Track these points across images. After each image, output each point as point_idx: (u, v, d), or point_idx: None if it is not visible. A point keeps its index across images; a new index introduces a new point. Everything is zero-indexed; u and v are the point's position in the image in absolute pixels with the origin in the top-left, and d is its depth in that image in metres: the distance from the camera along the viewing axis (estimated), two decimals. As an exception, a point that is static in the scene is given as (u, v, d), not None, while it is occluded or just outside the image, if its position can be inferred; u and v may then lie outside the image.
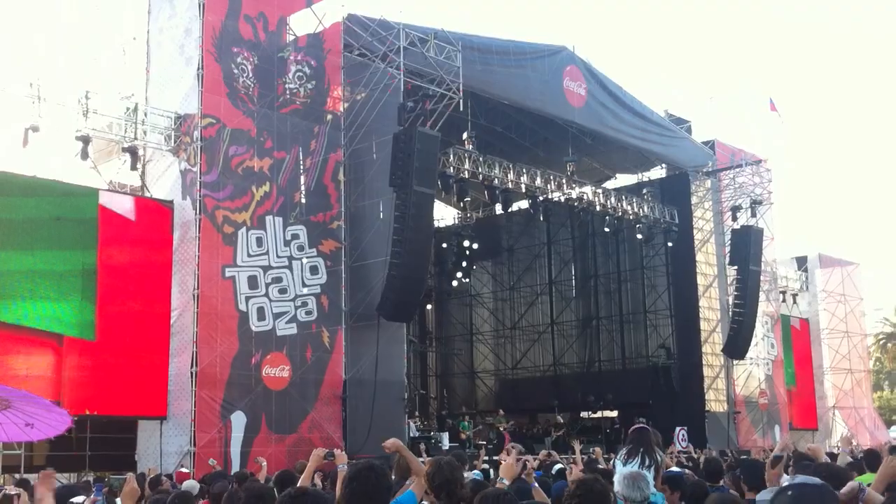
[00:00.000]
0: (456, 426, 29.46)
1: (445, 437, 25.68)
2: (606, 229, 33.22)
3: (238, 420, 20.52)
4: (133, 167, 21.01)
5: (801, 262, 42.59)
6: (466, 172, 27.69)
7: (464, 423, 30.01)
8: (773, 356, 37.37)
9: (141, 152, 21.24)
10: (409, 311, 24.52)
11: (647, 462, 9.36)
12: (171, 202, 21.11)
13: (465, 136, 27.91)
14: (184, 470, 17.02)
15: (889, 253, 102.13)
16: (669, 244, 34.47)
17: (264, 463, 14.85)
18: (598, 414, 33.95)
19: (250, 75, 22.14)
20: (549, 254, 38.34)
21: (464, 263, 36.25)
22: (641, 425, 10.48)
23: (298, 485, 7.44)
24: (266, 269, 21.69)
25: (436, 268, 35.30)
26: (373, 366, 22.62)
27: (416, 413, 29.85)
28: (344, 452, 7.95)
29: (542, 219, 32.38)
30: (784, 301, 39.64)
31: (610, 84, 31.25)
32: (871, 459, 10.98)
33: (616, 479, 9.20)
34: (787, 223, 39.15)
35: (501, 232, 39.02)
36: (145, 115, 21.09)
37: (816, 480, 5.37)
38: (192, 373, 19.92)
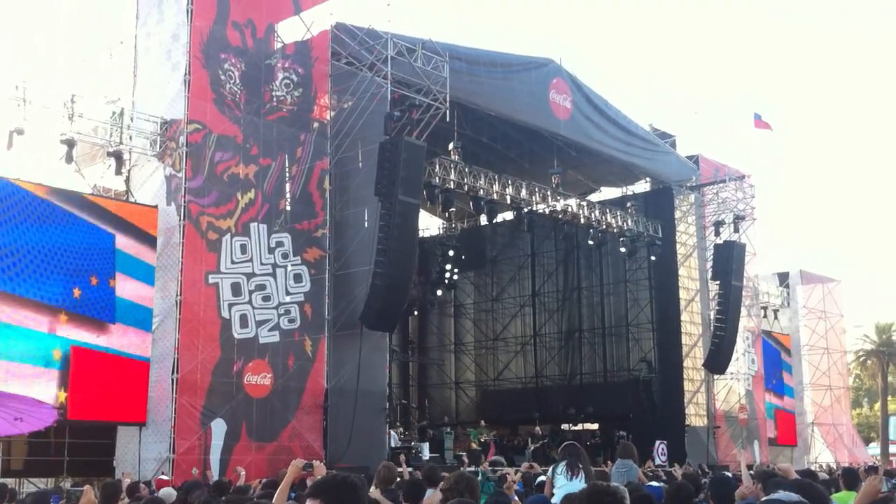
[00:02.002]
0: (467, 435, 29.67)
1: (426, 447, 25.61)
2: (590, 242, 33.38)
3: (218, 427, 20.41)
4: (118, 172, 20.89)
5: (783, 278, 42.80)
6: (452, 183, 27.71)
7: (474, 432, 30.02)
8: (753, 371, 37.51)
9: (126, 157, 21.11)
10: (392, 321, 24.52)
11: (587, 478, 10.07)
12: (156, 207, 20.99)
13: (451, 146, 27.97)
14: (163, 477, 16.91)
15: (870, 270, 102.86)
16: (652, 258, 34.57)
17: (243, 472, 14.85)
18: (579, 426, 33.98)
19: (237, 82, 22.09)
20: (533, 265, 38.38)
21: (447, 274, 36.27)
22: (571, 441, 11.04)
23: (276, 496, 7.39)
24: (250, 276, 21.62)
25: (420, 277, 35.26)
26: (355, 375, 22.57)
27: (399, 423, 29.79)
28: (323, 464, 7.93)
29: (526, 230, 32.42)
30: (765, 317, 39.81)
31: (595, 97, 31.39)
32: (848, 478, 11.05)
33: (561, 492, 9.63)
34: (770, 239, 39.30)
35: (486, 243, 39.04)
36: (131, 119, 21.00)
37: (795, 497, 5.38)
38: (172, 379, 19.81)
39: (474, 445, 28.65)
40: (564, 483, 10.14)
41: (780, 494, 5.66)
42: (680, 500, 8.12)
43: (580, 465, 10.37)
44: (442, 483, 5.77)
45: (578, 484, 9.97)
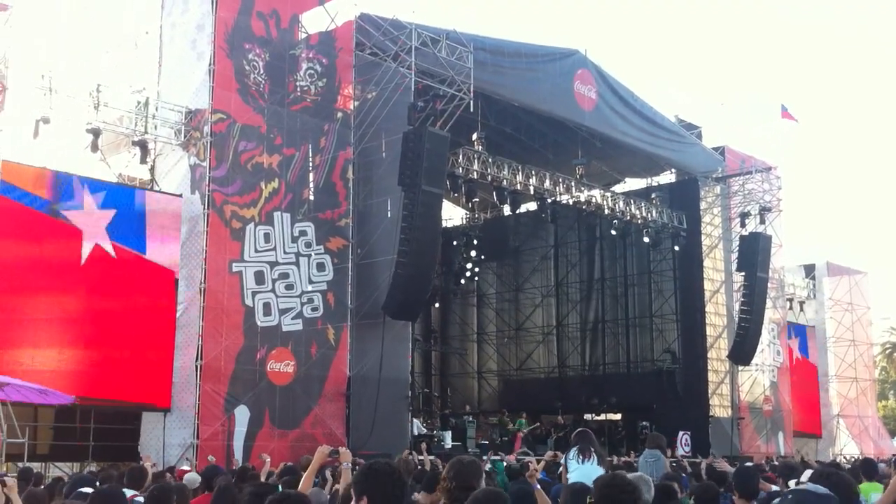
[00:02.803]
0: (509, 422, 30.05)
1: (448, 436, 25.75)
2: (613, 232, 33.28)
3: (242, 414, 20.63)
4: (143, 161, 21.11)
5: (809, 270, 42.54)
6: (475, 173, 27.75)
7: (521, 422, 30.09)
8: (778, 363, 37.36)
9: (151, 146, 21.34)
10: (415, 310, 24.62)
11: (599, 461, 10.36)
12: (180, 196, 21.21)
13: (474, 136, 27.99)
14: (185, 467, 17.07)
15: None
16: (677, 249, 34.46)
17: (268, 458, 14.99)
18: (602, 417, 33.98)
19: (261, 72, 22.23)
20: (556, 256, 38.32)
21: (470, 264, 36.31)
22: (583, 428, 11.21)
23: (302, 481, 7.51)
24: (273, 264, 21.80)
25: (442, 267, 35.35)
26: (377, 363, 22.71)
27: (421, 412, 29.90)
28: (348, 450, 8.04)
29: (549, 221, 32.41)
30: (791, 308, 39.61)
31: (621, 88, 31.27)
32: (867, 468, 11.01)
33: (574, 475, 9.83)
34: (796, 230, 39.09)
35: (509, 233, 39.01)
36: (156, 109, 21.18)
37: (822, 489, 5.39)
38: (196, 366, 20.03)
39: (520, 435, 28.59)
40: (577, 467, 10.30)
41: (809, 485, 5.69)
42: (707, 501, 8.32)
43: (591, 449, 10.54)
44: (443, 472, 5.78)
45: (590, 466, 10.16)
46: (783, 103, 35.61)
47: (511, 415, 31.37)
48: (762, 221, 34.77)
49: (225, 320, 20.70)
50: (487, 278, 39.90)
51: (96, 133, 20.08)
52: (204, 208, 20.77)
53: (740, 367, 34.91)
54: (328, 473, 11.28)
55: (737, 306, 34.34)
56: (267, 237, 21.79)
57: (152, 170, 21.78)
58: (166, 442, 20.02)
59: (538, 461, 13.06)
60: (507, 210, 32.71)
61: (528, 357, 38.48)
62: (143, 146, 20.95)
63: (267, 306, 21.57)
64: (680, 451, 28.22)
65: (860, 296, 43.55)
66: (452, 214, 37.94)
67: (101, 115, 20.22)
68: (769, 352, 36.75)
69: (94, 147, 20.05)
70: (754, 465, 17.91)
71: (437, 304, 38.16)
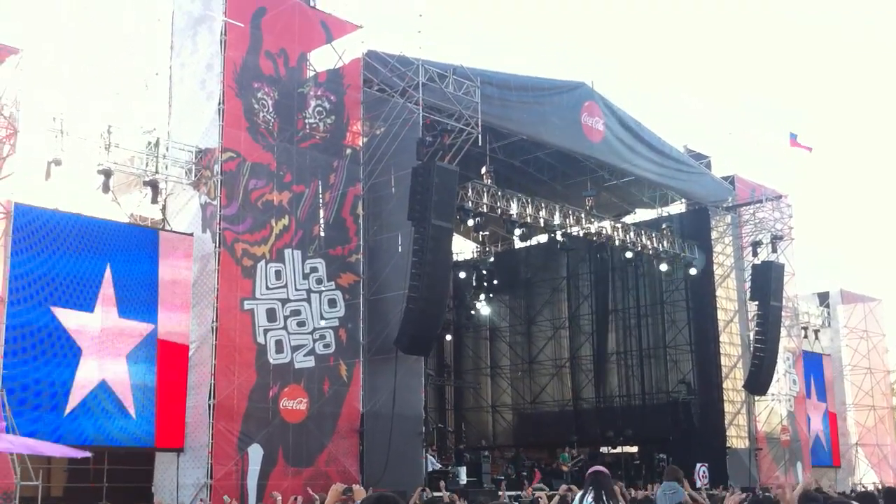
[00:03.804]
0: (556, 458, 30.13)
1: (463, 471, 25.58)
2: (627, 256, 33.17)
3: (255, 453, 20.55)
4: (154, 200, 21.22)
5: (823, 298, 42.32)
6: (485, 206, 27.80)
7: (564, 456, 29.93)
8: (794, 392, 37.10)
9: (162, 185, 21.44)
10: (427, 345, 24.51)
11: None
12: (191, 235, 21.28)
13: (483, 170, 28.07)
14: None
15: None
16: (690, 278, 34.37)
17: (279, 497, 14.93)
18: (618, 449, 33.74)
19: (270, 110, 22.37)
20: (568, 288, 38.24)
21: (482, 297, 36.23)
22: (599, 468, 10.74)
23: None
24: (285, 301, 21.80)
25: (454, 301, 35.31)
26: (390, 399, 22.62)
27: (435, 447, 29.73)
28: (362, 488, 7.99)
29: (560, 251, 32.37)
30: (806, 337, 39.40)
31: (628, 119, 31.35)
32: (890, 497, 10.88)
33: None
34: (809, 258, 38.85)
35: (520, 266, 38.98)
36: (167, 149, 21.32)
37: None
38: (209, 405, 19.99)
39: (565, 468, 28.58)
40: None
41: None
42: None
43: (603, 494, 10.19)
44: None
45: None
46: (791, 132, 35.61)
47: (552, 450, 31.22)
48: (774, 250, 34.73)
49: (237, 358, 20.68)
50: (500, 311, 39.80)
51: (107, 174, 20.20)
52: (215, 246, 20.83)
53: (756, 398, 34.68)
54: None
55: (751, 335, 34.23)
56: (278, 274, 21.82)
57: (164, 209, 21.89)
58: (180, 482, 19.97)
59: (550, 496, 12.91)
60: (517, 243, 32.72)
61: (542, 390, 38.28)
62: (154, 186, 21.06)
63: (279, 343, 21.55)
64: (698, 484, 27.97)
65: (875, 323, 43.26)
66: (463, 248, 37.93)
67: (112, 156, 20.34)
68: (785, 381, 36.52)
69: (106, 188, 20.16)
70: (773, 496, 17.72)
71: (449, 338, 38.06)
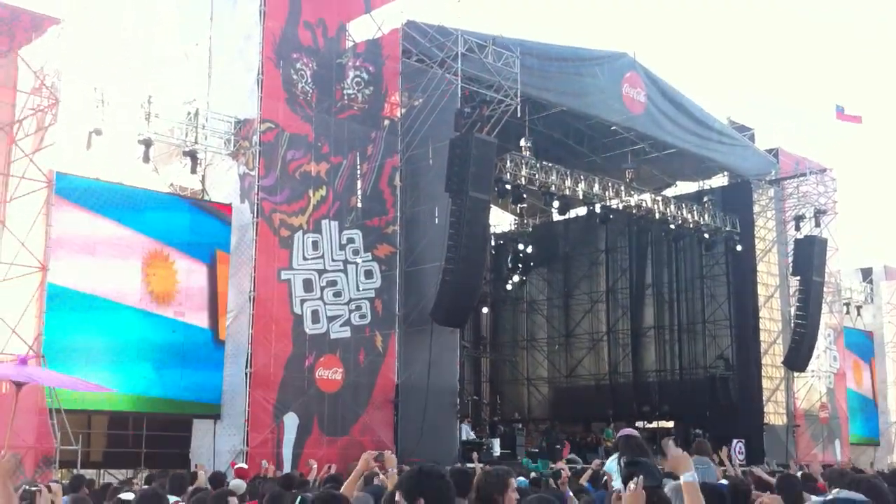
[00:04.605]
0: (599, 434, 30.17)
1: (497, 443, 25.65)
2: (670, 228, 32.87)
3: (291, 421, 20.76)
4: (193, 171, 21.40)
5: (866, 274, 41.75)
6: (523, 179, 27.72)
7: (609, 431, 30.00)
8: (834, 369, 36.74)
9: (201, 156, 21.60)
10: (463, 317, 24.59)
11: None
12: (230, 205, 21.42)
13: (522, 142, 27.91)
14: (243, 465, 17.11)
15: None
16: (730, 252, 34.06)
17: (314, 465, 15.06)
18: (654, 424, 33.65)
19: (309, 81, 22.39)
20: (607, 261, 38.00)
21: (519, 270, 36.13)
22: (628, 433, 10.75)
23: (345, 485, 7.47)
24: (321, 272, 21.92)
25: (491, 273, 35.27)
26: (425, 371, 22.73)
27: (469, 419, 29.82)
28: (393, 455, 8.04)
29: (599, 225, 32.20)
30: (847, 313, 38.95)
31: (670, 91, 31.01)
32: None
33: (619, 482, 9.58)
34: (853, 233, 38.39)
35: (558, 239, 38.77)
36: (206, 119, 21.43)
37: (860, 496, 5.30)
38: (246, 374, 20.20)
39: (609, 444, 28.65)
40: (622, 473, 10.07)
41: (844, 493, 5.60)
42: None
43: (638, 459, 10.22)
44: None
45: None
46: (838, 104, 35.07)
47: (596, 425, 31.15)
48: (817, 224, 34.34)
49: (274, 328, 20.86)
50: (537, 284, 39.71)
51: (148, 144, 20.39)
52: (253, 217, 20.96)
53: (796, 374, 34.41)
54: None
55: (792, 311, 33.89)
56: (315, 245, 21.92)
57: (202, 179, 22.04)
58: (217, 449, 20.23)
59: (583, 470, 12.92)
60: (556, 215, 32.59)
61: (578, 364, 38.16)
62: (193, 156, 21.22)
63: (315, 314, 21.69)
64: (733, 460, 27.79)
65: (920, 300, 42.63)
66: (501, 220, 37.85)
67: (152, 127, 20.52)
68: (825, 357, 36.17)
69: (146, 158, 20.37)
70: (803, 474, 17.60)
71: (486, 311, 38.05)
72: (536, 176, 28.16)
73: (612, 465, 10.40)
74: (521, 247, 35.86)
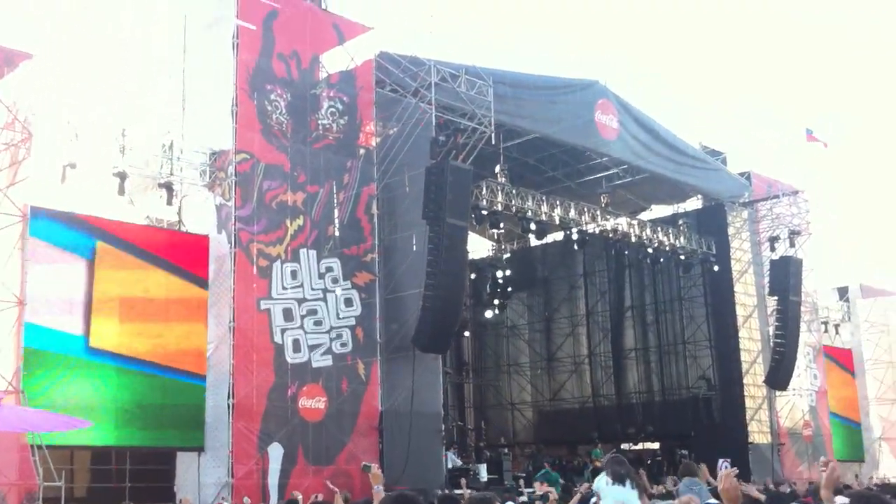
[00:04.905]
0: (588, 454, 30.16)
1: (483, 468, 25.57)
2: (648, 252, 33.10)
3: (275, 452, 20.61)
4: (169, 202, 21.37)
5: (843, 293, 42.10)
6: (500, 205, 27.86)
7: (597, 451, 29.97)
8: (815, 387, 36.91)
9: (177, 187, 21.59)
10: (445, 343, 24.58)
11: (632, 486, 9.99)
12: (207, 236, 21.40)
13: (497, 168, 28.11)
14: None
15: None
16: (707, 274, 34.31)
17: (300, 496, 14.96)
18: (640, 446, 33.64)
19: (283, 111, 22.48)
20: (586, 285, 38.20)
21: (499, 295, 36.27)
22: (615, 453, 10.90)
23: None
24: (301, 301, 21.87)
25: (471, 299, 35.36)
26: (409, 397, 22.65)
27: (455, 445, 29.73)
28: (380, 472, 8.04)
29: (577, 250, 32.41)
30: (826, 331, 39.20)
31: (642, 117, 31.36)
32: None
33: (608, 500, 9.62)
34: (827, 253, 38.72)
35: (536, 263, 39.02)
36: (181, 151, 21.49)
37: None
38: (228, 405, 20.07)
39: (598, 464, 28.65)
40: (609, 491, 10.06)
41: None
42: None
43: (622, 472, 10.22)
44: None
45: (623, 489, 9.92)
46: (808, 127, 35.56)
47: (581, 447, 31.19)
48: (792, 245, 34.70)
49: (255, 358, 20.75)
50: (517, 309, 39.81)
51: (123, 176, 20.40)
52: (231, 247, 20.94)
53: (778, 393, 34.54)
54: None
55: (771, 331, 34.09)
56: (294, 274, 21.90)
57: (179, 211, 22.02)
58: (202, 482, 20.03)
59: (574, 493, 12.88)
60: (533, 241, 32.76)
61: (561, 387, 38.26)
62: (169, 188, 21.22)
63: (296, 343, 21.62)
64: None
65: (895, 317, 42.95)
66: (479, 247, 37.96)
67: (126, 159, 20.53)
68: (806, 376, 36.36)
69: (122, 190, 20.36)
70: (791, 491, 17.68)
71: (467, 336, 38.04)
72: (513, 202, 28.33)
73: (599, 483, 10.42)
74: (499, 272, 35.96)
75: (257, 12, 22.57)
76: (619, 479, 10.10)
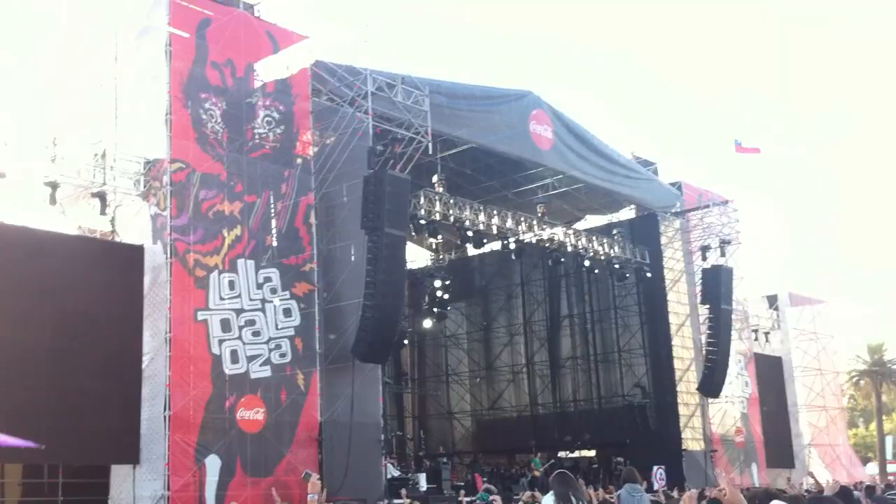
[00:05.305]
0: (528, 463, 30.26)
1: (423, 478, 25.49)
2: (584, 264, 33.40)
3: (213, 464, 20.24)
4: (102, 212, 20.92)
5: (772, 301, 42.89)
6: (437, 214, 27.89)
7: (536, 461, 29.98)
8: (747, 394, 37.52)
9: (110, 197, 21.15)
10: (384, 353, 24.45)
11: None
12: (142, 246, 21.04)
13: (434, 178, 28.15)
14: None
15: (857, 290, 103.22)
16: (641, 283, 34.70)
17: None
18: (576, 454, 33.86)
19: (219, 120, 22.21)
20: (523, 294, 38.43)
21: (437, 304, 36.33)
22: (562, 470, 10.98)
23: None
24: (239, 311, 21.60)
25: (410, 309, 35.35)
26: (348, 407, 22.50)
27: (394, 454, 29.63)
28: (319, 480, 7.98)
29: (514, 259, 32.57)
30: (756, 339, 39.87)
31: (576, 127, 31.65)
32: (846, 497, 11.07)
33: None
34: (757, 262, 39.54)
35: (474, 273, 39.20)
36: (114, 160, 21.09)
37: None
38: (165, 416, 19.72)
39: (537, 474, 28.72)
40: None
41: None
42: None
43: (571, 495, 10.26)
44: None
45: None
46: (736, 138, 36.23)
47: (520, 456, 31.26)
48: (723, 254, 35.19)
49: (192, 369, 20.40)
50: (456, 318, 39.90)
51: (54, 186, 19.89)
52: (167, 257, 20.59)
53: (710, 400, 35.01)
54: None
55: (703, 339, 34.56)
56: (231, 284, 21.62)
57: (112, 221, 21.59)
58: (137, 495, 19.60)
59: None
60: (471, 250, 32.86)
61: (499, 396, 38.44)
62: (102, 198, 20.77)
63: (234, 354, 21.33)
64: (655, 486, 28.12)
65: (823, 325, 43.90)
66: (417, 256, 38.01)
67: (57, 168, 20.09)
68: (738, 383, 36.95)
69: (53, 200, 19.88)
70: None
71: (406, 346, 38.03)
72: (450, 211, 28.40)
73: (548, 500, 10.42)
74: (438, 282, 36.00)
75: (190, 20, 22.29)
76: (564, 499, 10.17)
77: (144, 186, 21.27)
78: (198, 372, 20.49)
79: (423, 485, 24.81)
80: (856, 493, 15.64)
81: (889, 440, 55.65)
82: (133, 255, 20.82)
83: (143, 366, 20.32)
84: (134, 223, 21.39)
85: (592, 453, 34.24)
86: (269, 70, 23.79)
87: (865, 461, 55.22)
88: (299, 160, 23.82)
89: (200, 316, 20.93)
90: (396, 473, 25.03)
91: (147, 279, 20.80)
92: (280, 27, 24.21)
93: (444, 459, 29.33)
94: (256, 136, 22.90)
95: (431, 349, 40.29)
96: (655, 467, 30.22)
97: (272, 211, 22.88)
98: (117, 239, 21.44)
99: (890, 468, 53.10)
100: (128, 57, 22.49)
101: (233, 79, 22.85)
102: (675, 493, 23.77)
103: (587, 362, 36.78)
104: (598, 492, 21.65)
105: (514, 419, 37.50)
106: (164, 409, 19.73)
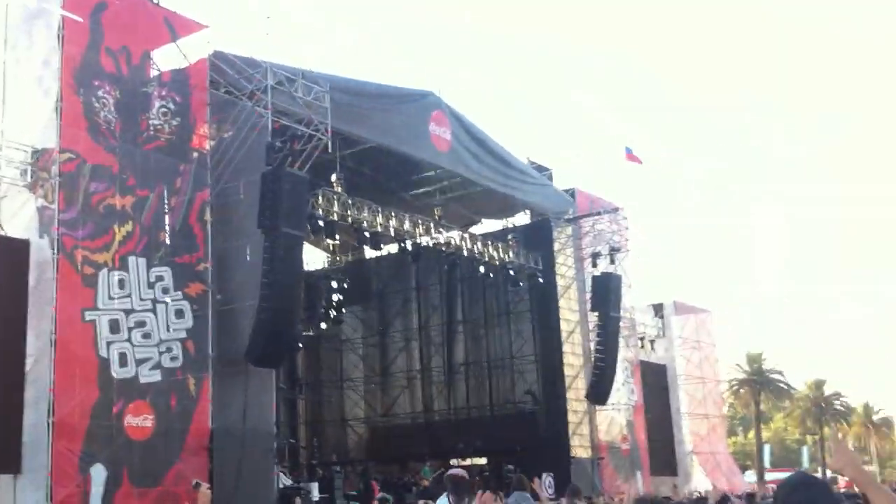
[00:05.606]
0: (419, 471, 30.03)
1: (315, 487, 24.78)
2: (481, 271, 33.21)
3: (98, 473, 19.11)
4: (-15, 203, 19.64)
5: (658, 309, 43.51)
6: (335, 215, 27.24)
7: (426, 470, 29.41)
8: (633, 402, 37.89)
9: (-6, 188, 19.87)
10: (279, 357, 23.67)
11: None
12: (27, 241, 19.76)
13: (333, 177, 27.49)
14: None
15: (738, 300, 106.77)
16: (534, 289, 34.70)
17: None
18: (468, 461, 33.60)
19: (112, 109, 21.05)
20: (419, 298, 38.02)
21: (333, 308, 35.63)
22: (453, 472, 10.74)
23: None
24: (129, 312, 20.48)
25: (306, 312, 34.57)
26: (241, 414, 21.69)
27: (286, 463, 28.79)
28: (210, 490, 7.45)
29: (411, 263, 32.14)
30: (642, 347, 40.36)
31: (475, 129, 31.42)
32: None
33: None
34: (644, 270, 40.16)
35: (371, 276, 38.59)
36: (0, 148, 19.78)
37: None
38: (48, 423, 18.53)
39: (426, 483, 28.21)
40: None
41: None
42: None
43: (465, 499, 10.04)
44: None
45: None
46: (627, 146, 36.59)
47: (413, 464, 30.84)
48: (612, 262, 35.45)
49: (78, 373, 19.23)
50: (351, 322, 39.19)
51: (-67, 174, 18.57)
52: (53, 253, 19.37)
53: (598, 407, 35.21)
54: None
55: (592, 346, 34.74)
56: (122, 283, 20.49)
57: (-4, 213, 20.28)
58: (17, 507, 18.43)
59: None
60: (368, 252, 32.28)
61: (394, 403, 37.94)
62: (-15, 188, 19.50)
63: (123, 356, 20.20)
64: (544, 494, 27.98)
65: (706, 334, 44.82)
66: (314, 258, 37.16)
67: (-63, 155, 18.73)
68: (624, 391, 37.25)
69: (-69, 189, 18.53)
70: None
71: (301, 351, 37.13)
72: (349, 212, 27.77)
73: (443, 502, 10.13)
74: (334, 284, 35.29)
75: (85, 3, 21.05)
76: (461, 500, 9.98)
77: (31, 177, 19.99)
78: (84, 376, 19.35)
79: (316, 495, 24.12)
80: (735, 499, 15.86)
81: (768, 448, 57.31)
82: (18, 250, 19.53)
83: (27, 369, 19.06)
84: (19, 216, 20.09)
85: (484, 461, 34.03)
86: (166, 59, 22.78)
87: (744, 469, 56.66)
88: (195, 154, 22.83)
89: (88, 316, 19.77)
90: (288, 483, 24.23)
91: (32, 276, 19.53)
92: (179, 14, 23.13)
93: (338, 468, 28.71)
94: (151, 128, 21.83)
95: (326, 353, 39.44)
96: (544, 475, 30.05)
97: (166, 207, 21.85)
98: (1, 233, 20.09)
99: (768, 476, 54.59)
100: (18, 40, 21.14)
101: (128, 66, 21.71)
102: (563, 501, 23.69)
103: (480, 368, 36.58)
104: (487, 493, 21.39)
105: (408, 426, 37.06)
106: (48, 415, 18.55)
